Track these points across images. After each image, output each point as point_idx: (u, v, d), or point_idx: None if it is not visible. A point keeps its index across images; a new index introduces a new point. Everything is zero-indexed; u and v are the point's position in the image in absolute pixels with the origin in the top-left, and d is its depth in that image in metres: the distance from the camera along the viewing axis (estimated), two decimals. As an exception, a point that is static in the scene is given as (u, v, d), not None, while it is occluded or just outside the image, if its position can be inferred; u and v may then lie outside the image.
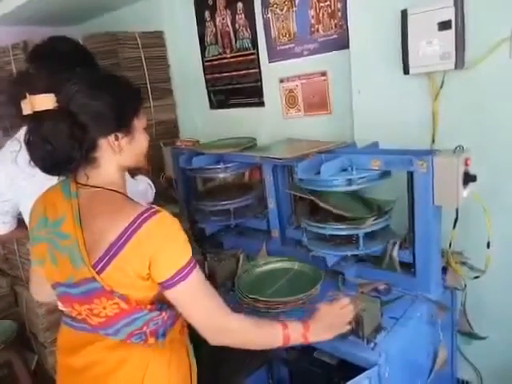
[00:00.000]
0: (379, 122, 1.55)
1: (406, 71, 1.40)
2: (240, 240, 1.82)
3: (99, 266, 0.87)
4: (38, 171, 0.91)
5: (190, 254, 0.92)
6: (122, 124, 0.94)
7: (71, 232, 0.91)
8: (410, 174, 1.24)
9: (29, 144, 0.89)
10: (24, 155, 0.91)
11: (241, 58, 2.09)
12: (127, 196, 0.97)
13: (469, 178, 1.17)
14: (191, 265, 0.91)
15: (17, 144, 1.20)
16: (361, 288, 1.34)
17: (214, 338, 0.95)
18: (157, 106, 2.29)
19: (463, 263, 1.44)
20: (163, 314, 0.96)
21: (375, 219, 1.34)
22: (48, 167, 0.91)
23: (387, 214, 1.38)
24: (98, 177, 0.94)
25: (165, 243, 0.89)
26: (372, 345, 1.09)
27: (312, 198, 1.40)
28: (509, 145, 1.32)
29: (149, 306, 0.94)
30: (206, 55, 2.23)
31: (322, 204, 1.38)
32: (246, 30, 2.01)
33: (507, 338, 1.47)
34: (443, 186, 1.16)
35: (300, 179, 1.38)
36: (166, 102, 2.36)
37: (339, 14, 1.68)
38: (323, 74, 1.79)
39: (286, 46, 1.88)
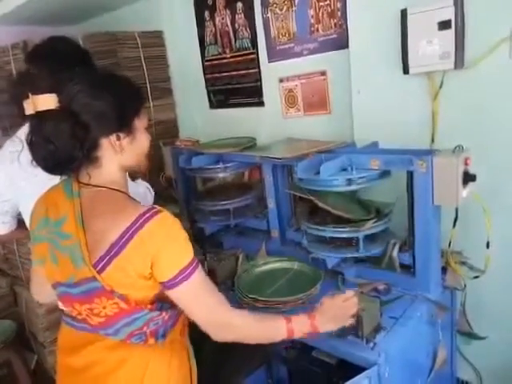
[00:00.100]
0: (379, 121, 1.55)
1: (406, 71, 1.40)
2: (240, 240, 1.82)
3: (100, 266, 0.88)
4: (40, 171, 0.92)
5: (192, 254, 0.92)
6: (123, 124, 0.94)
7: (73, 232, 0.91)
8: (410, 174, 1.24)
9: (31, 144, 0.89)
10: (26, 155, 0.92)
11: (240, 58, 2.08)
12: (129, 195, 0.98)
13: (468, 178, 1.16)
14: (193, 265, 0.91)
15: (18, 144, 1.20)
16: (360, 288, 1.34)
17: (217, 333, 0.96)
18: (156, 106, 2.29)
19: (463, 263, 1.44)
20: (163, 314, 0.96)
21: (375, 221, 1.34)
22: (50, 167, 0.91)
23: (387, 216, 1.38)
24: (100, 176, 0.95)
25: (167, 243, 0.89)
26: (371, 344, 1.09)
27: (311, 197, 1.40)
28: (508, 144, 1.32)
29: (149, 306, 0.94)
30: (206, 55, 2.23)
31: (321, 204, 1.38)
32: (246, 29, 2.01)
33: (507, 337, 1.47)
34: (443, 186, 1.16)
35: (300, 179, 1.38)
36: (165, 101, 2.36)
37: (339, 13, 1.68)
38: (323, 73, 1.79)
39: (286, 46, 1.88)
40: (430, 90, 1.41)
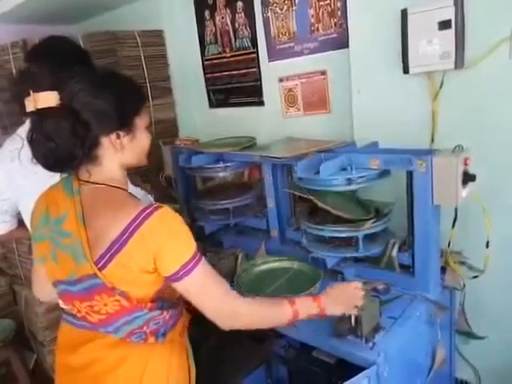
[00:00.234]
0: (379, 121, 1.55)
1: (406, 71, 1.40)
2: (239, 239, 1.82)
3: (101, 263, 0.88)
4: (40, 168, 0.92)
5: (195, 247, 0.93)
6: (123, 122, 0.94)
7: (74, 230, 0.91)
8: (410, 174, 1.24)
9: (31, 141, 0.90)
10: (26, 152, 0.92)
11: (240, 57, 2.08)
12: (129, 193, 0.98)
13: (468, 178, 1.16)
14: (196, 258, 0.92)
15: (18, 142, 1.20)
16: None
17: (225, 322, 0.96)
18: (156, 105, 2.29)
19: (462, 263, 1.44)
20: (164, 313, 0.97)
21: (374, 221, 1.34)
22: (50, 164, 0.92)
23: (386, 216, 1.38)
24: (101, 174, 0.95)
25: (168, 239, 0.90)
26: (371, 344, 1.09)
27: (311, 197, 1.40)
28: (508, 145, 1.32)
29: (149, 305, 0.94)
30: (206, 54, 2.23)
31: (320, 204, 1.38)
32: (246, 29, 2.01)
33: (506, 337, 1.47)
34: (442, 186, 1.16)
35: (299, 178, 1.38)
36: (165, 100, 2.36)
37: (339, 13, 1.68)
38: (323, 73, 1.79)
39: (286, 45, 1.88)
40: (430, 89, 1.41)
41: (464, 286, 1.43)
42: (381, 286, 1.33)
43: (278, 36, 1.90)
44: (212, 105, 2.31)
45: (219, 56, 2.17)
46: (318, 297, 1.04)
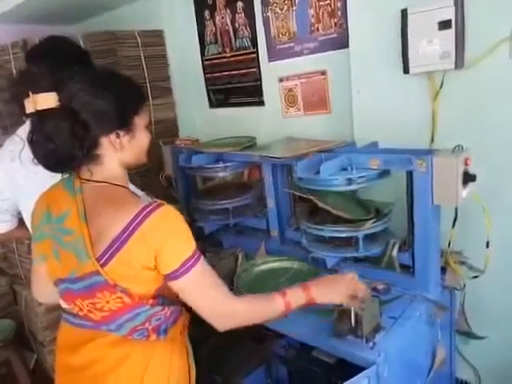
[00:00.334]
0: (379, 121, 1.55)
1: (406, 71, 1.40)
2: (239, 239, 1.82)
3: (103, 260, 0.89)
4: (41, 169, 0.93)
5: (194, 246, 0.94)
6: (123, 122, 0.95)
7: (75, 227, 0.91)
8: (410, 174, 1.24)
9: (32, 142, 0.90)
10: (27, 152, 0.92)
11: (240, 57, 2.08)
12: (131, 191, 0.99)
13: (468, 178, 1.16)
14: (195, 256, 0.92)
15: (18, 142, 1.20)
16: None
17: (220, 323, 0.96)
18: (156, 105, 2.28)
19: (462, 263, 1.44)
20: (166, 309, 0.98)
21: (375, 221, 1.34)
22: (51, 165, 0.93)
23: (386, 216, 1.38)
24: (102, 172, 0.96)
25: (170, 236, 0.90)
26: (371, 344, 1.09)
27: (311, 197, 1.40)
28: (508, 145, 1.32)
29: (151, 301, 0.95)
30: (206, 54, 2.23)
31: (320, 204, 1.38)
32: (246, 28, 2.01)
33: (506, 337, 1.47)
34: (442, 186, 1.16)
35: (299, 178, 1.38)
36: (165, 100, 2.35)
37: (339, 13, 1.68)
38: (323, 73, 1.78)
39: (286, 45, 1.88)
40: (430, 89, 1.41)
41: (464, 286, 1.43)
42: (381, 286, 1.33)
43: (278, 36, 1.90)
44: (212, 105, 2.31)
45: (219, 56, 2.17)
46: (307, 287, 1.03)
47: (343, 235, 1.36)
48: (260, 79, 2.03)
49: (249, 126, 2.07)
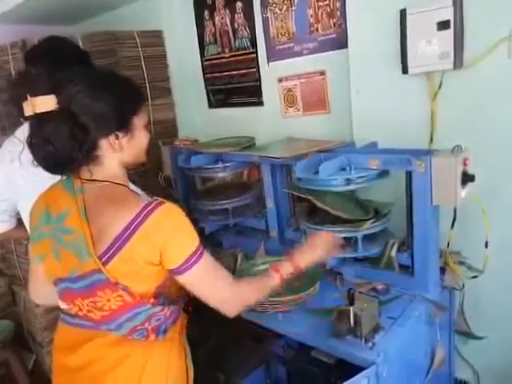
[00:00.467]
0: (378, 121, 1.55)
1: (405, 71, 1.40)
2: (239, 239, 1.82)
3: (104, 258, 0.89)
4: (41, 170, 0.93)
5: (198, 241, 0.95)
6: (122, 123, 0.95)
7: (76, 226, 0.92)
8: (409, 174, 1.24)
9: (31, 145, 0.90)
10: (27, 154, 0.92)
11: (240, 58, 2.08)
12: (131, 189, 0.99)
13: (467, 178, 1.16)
14: (199, 252, 0.94)
15: (17, 143, 1.20)
16: (359, 288, 1.34)
17: (230, 309, 0.99)
18: (155, 105, 2.28)
19: (461, 263, 1.44)
20: (166, 309, 0.98)
21: (374, 221, 1.34)
22: (51, 167, 0.93)
23: (386, 216, 1.38)
24: (102, 172, 0.96)
25: (173, 233, 0.92)
26: (370, 344, 1.09)
27: (310, 197, 1.40)
28: (507, 145, 1.32)
29: (151, 300, 0.95)
30: (205, 54, 2.23)
31: (319, 204, 1.38)
32: (245, 29, 2.01)
33: (505, 337, 1.47)
34: (441, 186, 1.16)
35: (298, 178, 1.38)
36: (164, 101, 2.35)
37: (338, 13, 1.68)
38: (322, 73, 1.79)
39: (285, 46, 1.88)
40: (429, 90, 1.41)
41: (463, 286, 1.43)
42: (380, 286, 1.33)
43: (278, 36, 1.90)
44: (211, 105, 2.31)
45: (218, 56, 2.17)
46: (293, 258, 1.12)
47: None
48: (259, 79, 2.04)
49: (248, 127, 2.07)
